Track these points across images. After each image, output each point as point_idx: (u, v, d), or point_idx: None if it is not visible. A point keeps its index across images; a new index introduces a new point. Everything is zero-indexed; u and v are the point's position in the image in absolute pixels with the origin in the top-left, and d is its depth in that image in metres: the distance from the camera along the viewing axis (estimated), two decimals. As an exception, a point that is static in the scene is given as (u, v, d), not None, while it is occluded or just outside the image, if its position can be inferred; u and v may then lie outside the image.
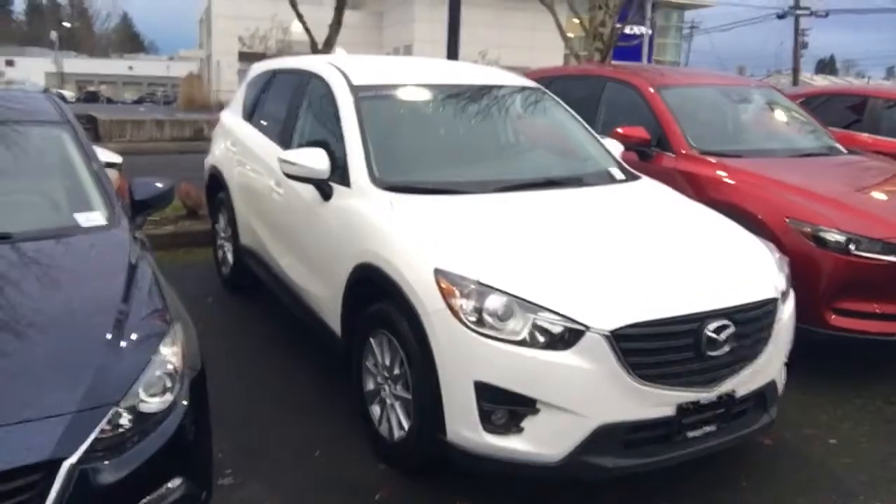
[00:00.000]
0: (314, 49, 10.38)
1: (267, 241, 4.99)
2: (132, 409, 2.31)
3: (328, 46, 10.37)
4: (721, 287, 3.23)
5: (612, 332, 2.88)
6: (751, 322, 3.20)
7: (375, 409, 3.59)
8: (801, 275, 4.04)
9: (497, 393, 2.92)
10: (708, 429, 3.14)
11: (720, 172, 5.28)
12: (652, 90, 6.08)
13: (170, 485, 2.40)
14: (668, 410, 3.01)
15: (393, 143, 4.21)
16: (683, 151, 5.60)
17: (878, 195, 5.28)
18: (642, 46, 26.45)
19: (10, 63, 67.44)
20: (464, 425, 3.01)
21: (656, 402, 2.98)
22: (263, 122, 5.45)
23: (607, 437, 2.94)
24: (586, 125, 4.91)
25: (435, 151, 4.33)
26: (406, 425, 3.34)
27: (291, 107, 4.96)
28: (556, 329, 2.90)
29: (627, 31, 13.49)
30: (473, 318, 2.95)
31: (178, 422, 2.41)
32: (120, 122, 18.48)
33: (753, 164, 5.38)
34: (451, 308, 3.00)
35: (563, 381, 2.89)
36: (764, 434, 3.61)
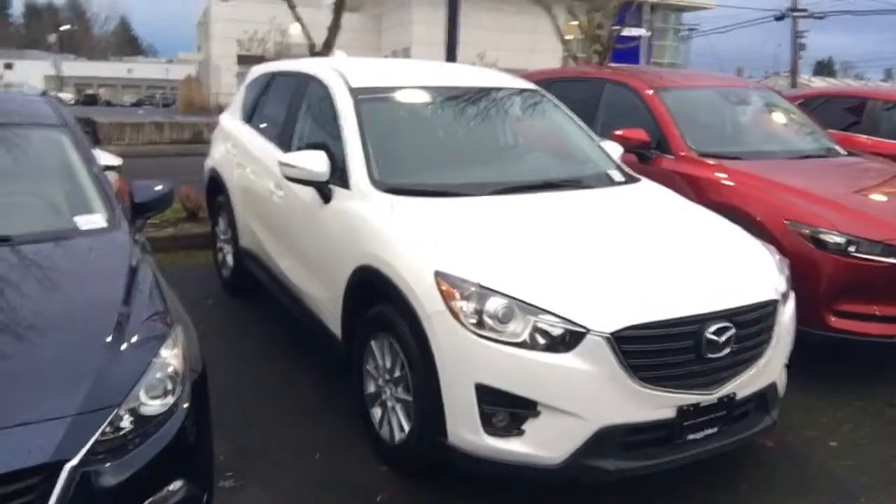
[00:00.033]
0: (313, 52, 10.38)
1: (267, 243, 4.99)
2: (133, 412, 2.31)
3: (327, 49, 10.37)
4: (721, 289, 3.23)
5: (613, 334, 2.88)
6: (751, 324, 3.20)
7: (376, 412, 3.59)
8: (801, 277, 4.04)
9: (498, 395, 2.92)
10: (709, 431, 3.14)
11: (719, 174, 5.29)
12: (650, 92, 6.08)
13: (171, 487, 2.39)
14: (669, 413, 3.01)
15: (392, 145, 4.21)
16: (682, 153, 5.60)
17: (878, 197, 5.28)
18: (640, 48, 26.51)
19: (8, 66, 67.41)
20: (465, 428, 3.01)
21: (657, 405, 2.98)
22: (263, 125, 5.46)
23: (608, 440, 2.94)
24: (585, 127, 4.91)
25: (434, 154, 4.33)
26: (407, 428, 3.34)
27: (291, 109, 4.96)
28: (557, 331, 2.90)
29: (625, 33, 13.50)
30: (474, 321, 2.95)
31: (179, 424, 2.41)
32: (119, 124, 18.47)
33: (752, 165, 5.39)
34: (451, 310, 3.00)
35: (563, 383, 2.89)
36: (765, 436, 3.61)
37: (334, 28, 10.45)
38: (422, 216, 3.54)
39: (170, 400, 2.42)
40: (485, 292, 2.98)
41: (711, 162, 5.43)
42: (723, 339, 3.04)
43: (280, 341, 5.06)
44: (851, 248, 4.41)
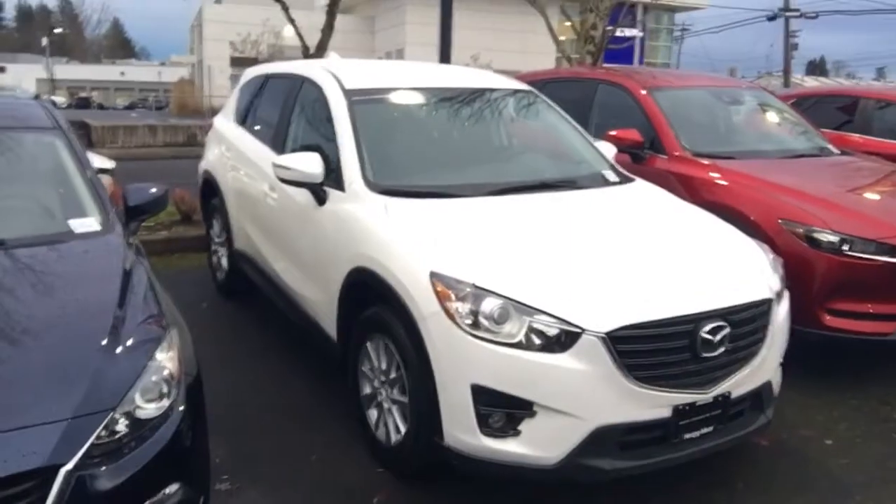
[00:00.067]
0: (306, 54, 10.38)
1: (262, 245, 4.98)
2: (129, 415, 2.31)
3: (320, 51, 10.38)
4: (716, 288, 3.24)
5: (608, 334, 2.88)
6: (746, 323, 3.21)
7: (372, 414, 3.59)
8: (795, 276, 4.05)
9: (494, 396, 2.93)
10: (704, 430, 3.14)
11: (713, 174, 5.30)
12: (644, 92, 6.10)
13: (167, 490, 2.39)
14: (665, 412, 3.01)
15: (387, 146, 4.21)
16: (676, 153, 5.62)
17: (871, 195, 5.30)
18: (634, 49, 26.57)
19: (1, 70, 67.17)
20: (461, 428, 3.01)
21: (652, 404, 2.98)
22: (257, 127, 5.45)
23: (604, 440, 2.94)
24: (579, 128, 4.92)
25: (429, 155, 4.33)
26: (403, 429, 3.34)
27: (285, 111, 4.96)
28: (552, 331, 2.90)
29: (619, 33, 13.52)
30: (469, 322, 2.95)
31: (175, 427, 2.41)
32: (112, 127, 18.47)
33: (746, 165, 5.40)
34: (446, 311, 3.00)
35: (559, 383, 2.90)
36: (760, 435, 3.61)
37: (328, 30, 10.47)
38: (417, 217, 3.54)
39: (165, 403, 2.41)
40: (480, 293, 2.98)
41: (705, 162, 5.44)
42: (718, 338, 3.05)
43: (275, 344, 5.05)
44: (845, 247, 4.43)
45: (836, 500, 3.41)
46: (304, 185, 4.01)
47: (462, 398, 2.97)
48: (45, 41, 64.08)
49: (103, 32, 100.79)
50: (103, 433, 2.22)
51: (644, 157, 5.72)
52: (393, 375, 3.38)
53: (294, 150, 4.47)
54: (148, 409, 2.36)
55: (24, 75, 63.61)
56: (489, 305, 2.94)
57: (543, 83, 6.64)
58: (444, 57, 8.96)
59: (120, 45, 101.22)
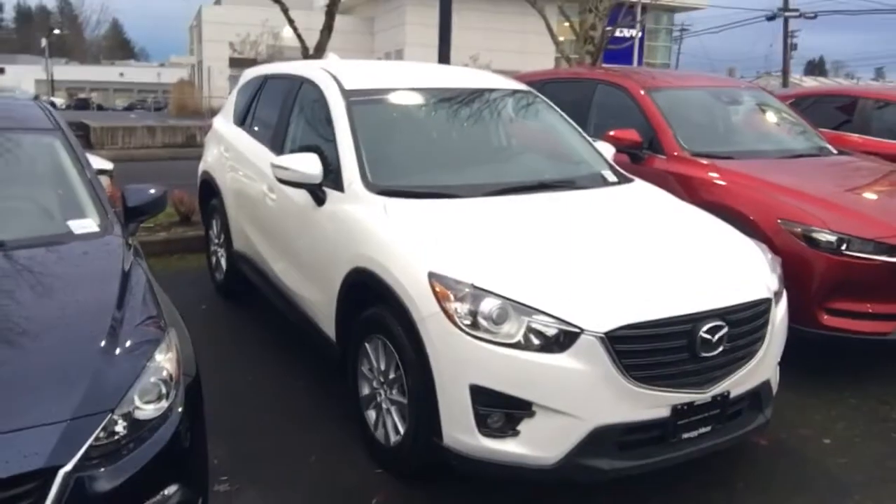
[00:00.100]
0: (305, 54, 10.38)
1: (260, 246, 4.98)
2: (127, 417, 2.31)
3: (319, 51, 10.37)
4: (714, 288, 3.24)
5: (607, 333, 2.89)
6: (744, 322, 3.21)
7: (371, 414, 3.59)
8: (794, 275, 4.06)
9: (493, 396, 2.93)
10: (703, 430, 3.14)
11: (712, 174, 5.30)
12: (643, 92, 6.10)
13: (166, 492, 2.39)
14: (663, 412, 3.01)
15: (386, 147, 4.22)
16: (675, 153, 5.62)
17: (869, 195, 5.31)
18: (633, 49, 26.56)
19: (0, 71, 67.18)
20: (460, 429, 3.01)
21: (651, 404, 2.99)
22: (256, 128, 5.45)
23: (603, 439, 2.94)
24: (578, 128, 4.93)
25: (428, 155, 4.34)
26: (402, 430, 3.34)
27: (283, 112, 4.96)
28: (551, 331, 2.90)
29: (618, 34, 13.52)
30: (468, 322, 2.96)
31: (174, 428, 2.41)
32: (111, 129, 18.46)
33: (745, 165, 5.41)
34: (445, 312, 3.00)
35: (558, 383, 2.90)
36: (759, 434, 3.62)
37: (327, 30, 10.46)
38: (415, 218, 3.55)
39: (164, 404, 2.41)
40: (479, 293, 2.98)
41: (704, 161, 5.45)
42: (716, 337, 3.05)
43: (274, 345, 5.05)
44: (843, 247, 4.43)
45: (834, 500, 3.41)
46: (302, 186, 4.01)
47: (461, 398, 2.97)
48: (44, 42, 64.01)
49: (102, 33, 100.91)
50: (102, 434, 2.22)
51: (643, 157, 5.73)
52: (392, 376, 3.38)
53: (293, 151, 4.47)
54: (147, 411, 2.36)
55: (23, 76, 63.59)
56: (488, 306, 2.94)
57: (542, 83, 6.65)
58: (444, 57, 8.96)
59: (119, 46, 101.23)
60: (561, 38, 12.39)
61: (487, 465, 3.01)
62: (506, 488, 3.34)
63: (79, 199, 3.40)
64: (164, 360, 2.50)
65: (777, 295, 3.48)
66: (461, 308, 2.98)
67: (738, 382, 3.19)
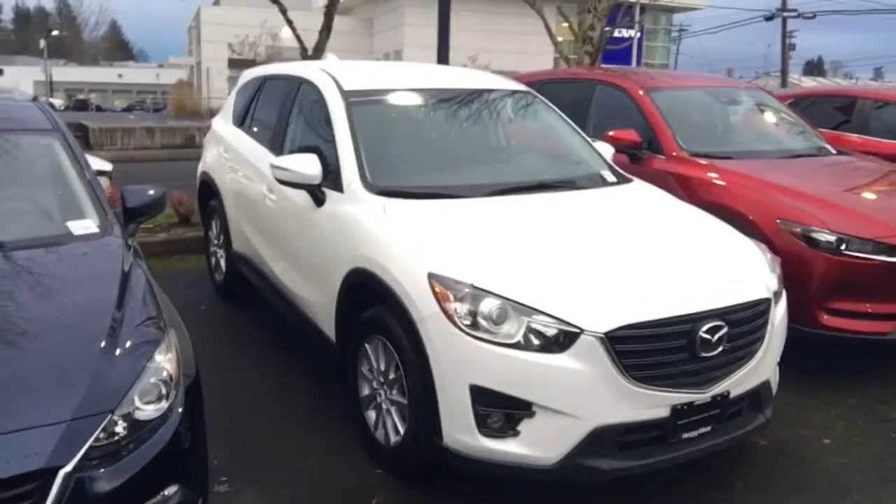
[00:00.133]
0: (304, 55, 10.38)
1: (260, 247, 4.98)
2: (127, 417, 2.31)
3: (318, 52, 10.38)
4: (714, 288, 3.24)
5: (606, 334, 2.89)
6: (744, 322, 3.21)
7: (371, 415, 3.59)
8: (793, 275, 4.06)
9: (493, 396, 2.93)
10: (703, 430, 3.15)
11: (711, 174, 5.30)
12: (642, 93, 6.10)
13: (166, 492, 2.39)
14: (663, 412, 3.01)
15: (385, 147, 4.22)
16: (674, 154, 5.62)
17: (868, 195, 5.31)
18: (631, 49, 26.58)
19: (-2, 72, 67.20)
20: (460, 429, 3.01)
21: (651, 404, 2.99)
22: (255, 129, 5.45)
23: (603, 439, 2.94)
24: (577, 128, 4.93)
25: (427, 155, 4.34)
26: (402, 430, 3.34)
27: (283, 113, 4.96)
28: (551, 332, 2.90)
29: (616, 34, 13.52)
30: (468, 322, 2.96)
31: (174, 429, 2.41)
32: (110, 130, 18.45)
33: (744, 165, 5.41)
34: (445, 312, 3.00)
35: (558, 383, 2.90)
36: (759, 434, 3.62)
37: (325, 31, 10.46)
38: (415, 218, 3.55)
39: (164, 405, 2.41)
40: (479, 293, 2.98)
41: (703, 162, 5.45)
42: (716, 337, 3.05)
43: (274, 345, 5.05)
44: (843, 247, 4.43)
45: (834, 500, 3.41)
46: (302, 187, 4.01)
47: (461, 398, 2.97)
48: (42, 43, 64.02)
49: (101, 34, 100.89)
50: (102, 435, 2.23)
51: (642, 157, 5.73)
52: (392, 376, 3.38)
53: (292, 152, 4.47)
54: (146, 411, 2.36)
55: (22, 77, 63.57)
56: (488, 306, 2.94)
57: (541, 84, 6.65)
58: (442, 58, 8.96)
59: (118, 47, 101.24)
60: (559, 39, 12.41)
61: (487, 466, 3.01)
62: (506, 488, 3.34)
63: (78, 200, 3.40)
64: (164, 361, 2.50)
65: (776, 295, 3.48)
66: (461, 308, 2.98)
67: (738, 382, 3.20)
